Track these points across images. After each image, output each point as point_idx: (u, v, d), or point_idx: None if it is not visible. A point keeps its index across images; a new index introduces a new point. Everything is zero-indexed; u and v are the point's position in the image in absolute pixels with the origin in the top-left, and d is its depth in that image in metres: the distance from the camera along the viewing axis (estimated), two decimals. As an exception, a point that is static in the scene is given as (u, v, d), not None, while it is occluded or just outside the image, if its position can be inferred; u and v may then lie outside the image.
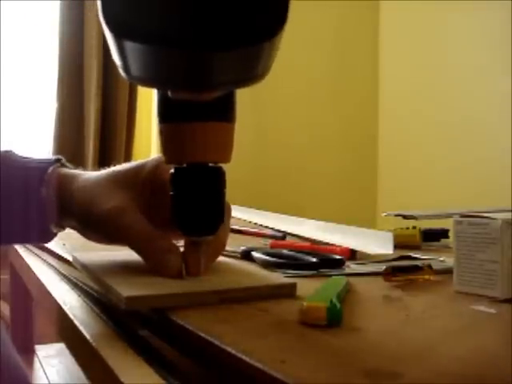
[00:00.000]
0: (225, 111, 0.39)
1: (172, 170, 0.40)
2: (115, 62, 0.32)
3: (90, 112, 1.91)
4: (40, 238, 0.51)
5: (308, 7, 2.15)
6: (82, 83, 1.94)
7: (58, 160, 0.50)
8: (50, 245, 0.65)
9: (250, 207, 1.13)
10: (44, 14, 1.95)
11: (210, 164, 0.39)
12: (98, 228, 0.46)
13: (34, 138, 1.97)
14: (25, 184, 0.48)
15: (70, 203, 0.47)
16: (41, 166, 0.49)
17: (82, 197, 0.46)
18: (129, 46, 0.29)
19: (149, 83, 0.35)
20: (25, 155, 0.51)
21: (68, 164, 0.51)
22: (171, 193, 0.40)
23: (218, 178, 0.40)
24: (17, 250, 0.79)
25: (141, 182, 0.46)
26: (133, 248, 0.44)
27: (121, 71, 0.32)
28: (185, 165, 0.39)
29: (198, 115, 0.38)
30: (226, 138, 0.40)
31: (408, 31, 2.20)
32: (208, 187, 0.40)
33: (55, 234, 0.50)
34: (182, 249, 0.43)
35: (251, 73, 0.32)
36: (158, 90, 0.38)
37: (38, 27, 1.95)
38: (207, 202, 0.40)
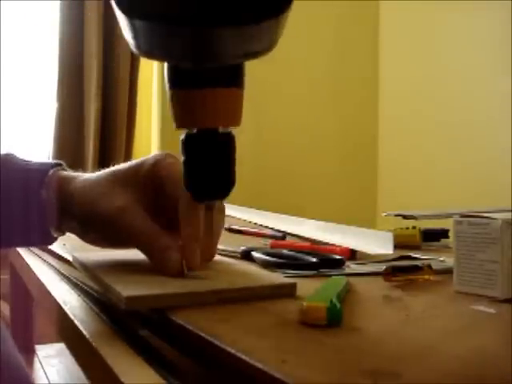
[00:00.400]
0: (234, 77, 0.39)
1: (182, 137, 0.41)
2: (127, 40, 0.34)
3: (89, 112, 1.91)
4: (40, 240, 0.51)
5: (308, 7, 2.15)
6: (82, 83, 1.94)
7: (58, 164, 0.50)
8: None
9: (250, 207, 1.13)
10: (44, 14, 1.95)
11: (220, 130, 0.40)
12: (100, 228, 0.46)
13: (34, 138, 1.97)
14: (25, 186, 0.48)
15: (71, 204, 0.47)
16: (41, 169, 0.49)
17: (82, 198, 0.46)
18: (139, 24, 0.31)
19: (159, 58, 0.38)
20: (25, 158, 0.51)
21: (68, 169, 0.51)
22: (183, 159, 0.41)
23: (228, 142, 0.41)
24: (17, 250, 0.79)
25: (141, 180, 0.46)
26: (136, 247, 0.44)
27: (132, 48, 0.34)
28: (195, 130, 0.40)
29: (208, 81, 0.39)
30: (236, 103, 0.40)
31: (408, 31, 2.20)
32: (218, 152, 0.41)
33: (55, 238, 0.50)
34: None
35: (259, 46, 0.33)
36: (169, 63, 0.39)
37: (38, 27, 1.95)
38: (218, 166, 0.41)
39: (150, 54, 0.34)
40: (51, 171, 0.48)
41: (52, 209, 0.47)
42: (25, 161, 0.51)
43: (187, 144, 0.41)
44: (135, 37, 0.32)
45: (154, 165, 0.46)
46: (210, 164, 0.41)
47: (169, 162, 0.47)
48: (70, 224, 0.48)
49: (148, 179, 0.46)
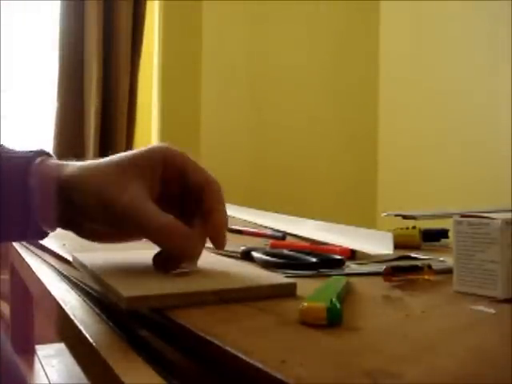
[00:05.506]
0: None
1: None
2: None
3: (89, 112, 1.91)
4: (31, 235, 0.47)
5: (308, 7, 2.15)
6: (82, 83, 1.94)
7: (43, 153, 0.47)
8: (50, 245, 0.65)
9: (250, 207, 1.13)
10: (44, 14, 1.95)
11: None
12: (107, 220, 0.43)
13: (34, 138, 1.97)
14: (8, 176, 0.44)
15: (68, 192, 0.43)
16: (27, 156, 0.45)
17: (84, 185, 0.43)
18: None
19: None
20: (11, 148, 0.48)
21: (54, 157, 0.48)
22: None
23: None
24: (17, 250, 0.79)
25: (148, 169, 0.44)
26: (152, 238, 0.42)
27: None
28: None
29: None
30: None
31: (408, 31, 2.20)
32: None
33: (46, 233, 0.47)
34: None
35: None
36: None
37: (39, 27, 1.95)
38: None
39: None
40: (38, 159, 0.45)
41: (41, 199, 0.44)
42: (10, 150, 0.47)
43: None
44: None
45: (164, 154, 0.45)
46: None
47: (176, 151, 0.45)
48: (65, 214, 0.45)
49: (157, 169, 0.44)
